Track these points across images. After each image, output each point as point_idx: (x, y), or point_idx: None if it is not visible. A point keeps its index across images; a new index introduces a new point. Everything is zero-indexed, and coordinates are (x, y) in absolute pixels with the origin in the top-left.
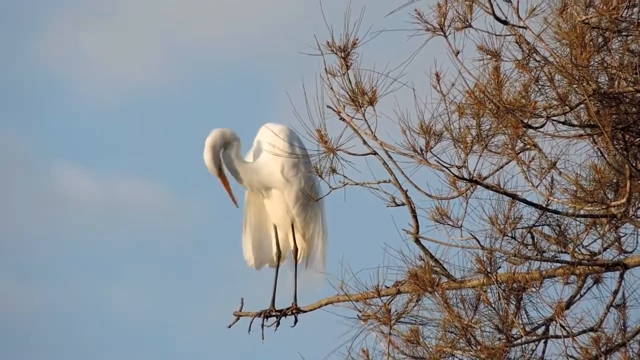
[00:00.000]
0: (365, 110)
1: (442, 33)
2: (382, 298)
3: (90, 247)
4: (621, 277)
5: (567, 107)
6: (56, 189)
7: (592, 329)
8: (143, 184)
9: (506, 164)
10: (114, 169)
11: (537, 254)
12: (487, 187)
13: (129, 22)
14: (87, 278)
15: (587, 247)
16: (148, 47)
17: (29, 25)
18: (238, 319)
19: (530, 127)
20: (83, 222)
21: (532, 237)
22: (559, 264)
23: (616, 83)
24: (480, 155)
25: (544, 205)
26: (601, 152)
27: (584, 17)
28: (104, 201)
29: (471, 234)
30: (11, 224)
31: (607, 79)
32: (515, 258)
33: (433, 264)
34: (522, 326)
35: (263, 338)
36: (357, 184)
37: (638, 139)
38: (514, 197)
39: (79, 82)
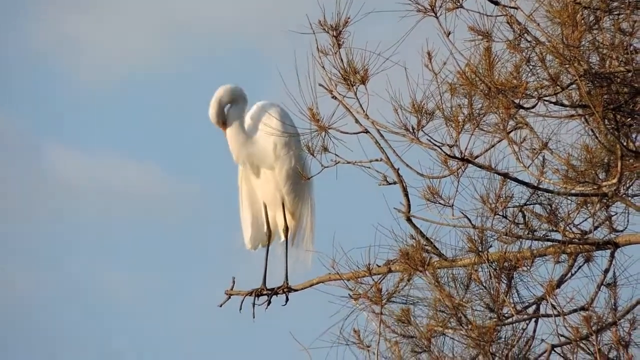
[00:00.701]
0: (357, 89)
1: (433, 14)
2: (373, 277)
3: (82, 229)
4: (612, 256)
5: (558, 88)
6: (48, 170)
7: (583, 308)
8: (136, 165)
9: (498, 142)
10: (105, 151)
11: (528, 233)
12: (479, 166)
13: (118, 3)
14: (79, 260)
15: (578, 226)
16: (140, 27)
17: (20, 8)
18: (229, 297)
19: (522, 107)
20: (75, 203)
21: (524, 216)
22: (550, 243)
23: (607, 63)
24: (472, 134)
25: (535, 185)
26: (592, 132)
27: None
28: (96, 182)
29: (462, 213)
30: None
31: (598, 59)
32: (507, 237)
33: (424, 243)
34: (513, 305)
35: (254, 317)
36: (348, 162)
37: (629, 118)
38: (505, 176)
39: (70, 64)
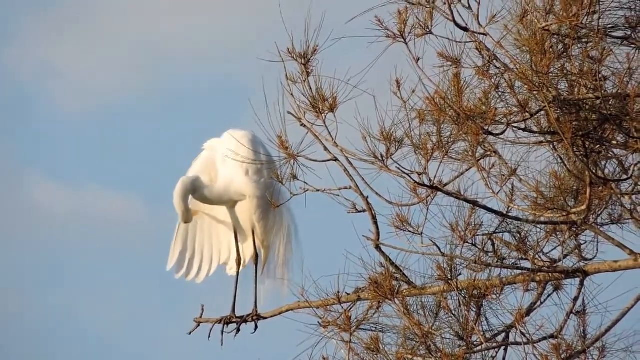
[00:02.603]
0: (326, 116)
1: (402, 40)
2: (342, 305)
3: (59, 258)
4: (581, 284)
5: (527, 114)
6: (27, 199)
7: (552, 336)
8: (114, 194)
9: (467, 170)
10: (84, 180)
11: (497, 261)
12: (448, 193)
13: (98, 33)
14: (54, 289)
15: (548, 254)
16: (117, 55)
17: (5, 38)
18: (198, 325)
19: (491, 133)
20: (53, 232)
21: (493, 244)
22: (519, 271)
23: (576, 90)
24: (440, 162)
25: (505, 212)
26: (561, 159)
27: (544, 24)
28: (74, 212)
29: (432, 241)
30: None
31: (567, 85)
32: (476, 265)
33: (394, 271)
34: (482, 333)
35: (222, 344)
36: (318, 190)
37: (598, 145)
38: (474, 204)
39: (51, 92)
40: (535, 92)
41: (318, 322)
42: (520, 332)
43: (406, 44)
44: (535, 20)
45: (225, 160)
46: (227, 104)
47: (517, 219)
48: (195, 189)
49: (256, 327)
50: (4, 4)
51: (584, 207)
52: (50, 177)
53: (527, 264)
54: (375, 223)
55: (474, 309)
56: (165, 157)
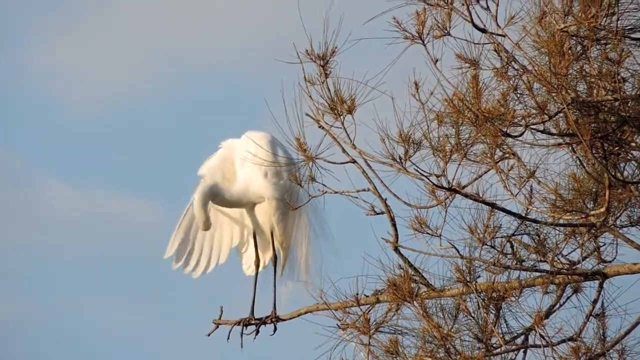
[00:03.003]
0: (344, 118)
1: (420, 41)
2: (361, 307)
3: (77, 263)
4: (600, 286)
5: (545, 116)
6: (44, 205)
7: (571, 339)
8: (131, 199)
9: (485, 172)
10: (101, 185)
11: (516, 263)
12: (466, 195)
13: (109, 34)
14: (75, 295)
15: (567, 257)
16: (130, 57)
17: (14, 40)
18: (217, 327)
19: (509, 135)
20: (69, 237)
21: (512, 246)
22: (538, 273)
23: (595, 92)
24: (459, 164)
25: (523, 214)
26: (580, 161)
27: (562, 26)
28: (89, 216)
29: (450, 243)
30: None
31: (585, 87)
32: (495, 267)
33: (412, 273)
34: (501, 335)
35: (242, 346)
36: (336, 192)
37: (617, 147)
38: (493, 206)
39: (61, 94)
40: (553, 94)
41: (337, 324)
42: (540, 334)
43: (424, 45)
44: (554, 22)
45: (243, 162)
46: (243, 106)
47: (535, 221)
48: (215, 195)
49: (275, 329)
50: (14, 5)
51: (603, 210)
52: (61, 180)
53: (546, 266)
54: (394, 225)
55: (493, 312)
56: (180, 159)
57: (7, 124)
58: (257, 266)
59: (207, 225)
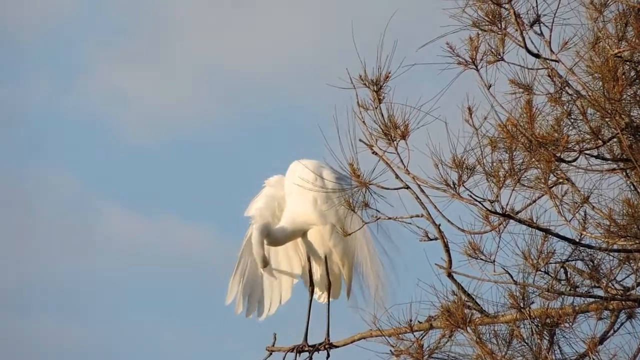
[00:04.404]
0: (397, 144)
1: (474, 66)
2: (414, 333)
3: (136, 290)
4: None
5: (599, 141)
6: (103, 231)
7: None
8: (189, 226)
9: (539, 198)
10: (160, 212)
11: (570, 289)
12: (520, 221)
13: (170, 62)
14: (134, 320)
15: (621, 282)
16: (186, 85)
17: (74, 68)
18: (271, 354)
19: (563, 161)
20: (129, 265)
21: (565, 272)
22: (592, 299)
23: None
24: (512, 190)
25: (577, 240)
26: (634, 186)
27: (616, 51)
28: (150, 245)
29: (504, 269)
30: (58, 266)
31: (639, 112)
32: (548, 293)
33: (466, 299)
34: None
35: None
36: (389, 218)
37: None
38: (546, 231)
39: (124, 123)
40: (607, 119)
41: (390, 350)
42: None
43: (477, 70)
44: (608, 47)
45: (291, 192)
46: (297, 133)
47: (589, 246)
48: (269, 234)
49: (328, 355)
50: (78, 34)
51: None
52: (123, 208)
53: (600, 292)
54: (447, 251)
55: (546, 338)
56: (235, 187)
57: (69, 150)
58: (312, 292)
59: (265, 263)
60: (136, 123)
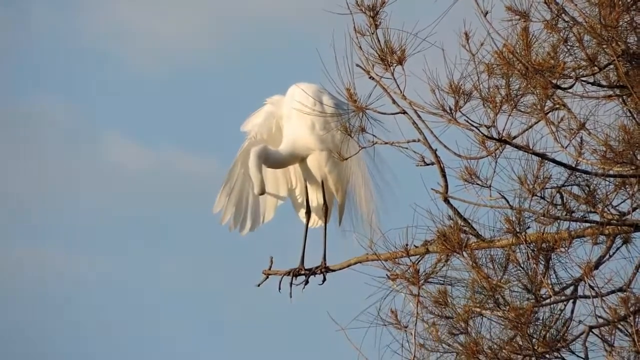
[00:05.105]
0: (394, 69)
1: None
2: (410, 258)
3: (138, 219)
4: None
5: (596, 68)
6: (106, 160)
7: (620, 289)
8: (191, 155)
9: (535, 123)
10: (163, 141)
11: (566, 214)
12: (516, 146)
13: None
14: (135, 249)
15: (617, 207)
16: (188, 17)
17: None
18: (267, 277)
19: (559, 87)
20: (132, 193)
21: (561, 197)
22: (588, 224)
23: None
24: (509, 115)
25: (573, 165)
26: (630, 113)
27: None
28: (153, 173)
29: (500, 194)
30: (64, 196)
31: (636, 39)
32: (544, 218)
33: (462, 224)
34: (550, 286)
35: (291, 296)
36: (386, 143)
37: None
38: (543, 156)
39: (129, 55)
40: (604, 46)
41: (386, 275)
42: (589, 285)
43: None
44: None
45: (290, 117)
46: (296, 59)
47: (585, 172)
48: (267, 158)
49: (324, 279)
50: None
51: None
52: (127, 138)
53: (596, 217)
54: (444, 176)
55: (542, 262)
56: (237, 116)
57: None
58: (308, 217)
59: (262, 188)
60: (138, 54)
